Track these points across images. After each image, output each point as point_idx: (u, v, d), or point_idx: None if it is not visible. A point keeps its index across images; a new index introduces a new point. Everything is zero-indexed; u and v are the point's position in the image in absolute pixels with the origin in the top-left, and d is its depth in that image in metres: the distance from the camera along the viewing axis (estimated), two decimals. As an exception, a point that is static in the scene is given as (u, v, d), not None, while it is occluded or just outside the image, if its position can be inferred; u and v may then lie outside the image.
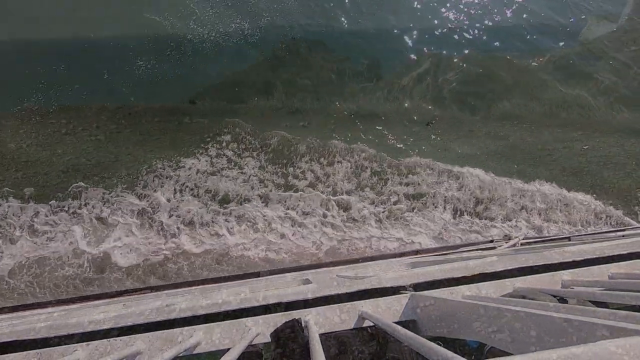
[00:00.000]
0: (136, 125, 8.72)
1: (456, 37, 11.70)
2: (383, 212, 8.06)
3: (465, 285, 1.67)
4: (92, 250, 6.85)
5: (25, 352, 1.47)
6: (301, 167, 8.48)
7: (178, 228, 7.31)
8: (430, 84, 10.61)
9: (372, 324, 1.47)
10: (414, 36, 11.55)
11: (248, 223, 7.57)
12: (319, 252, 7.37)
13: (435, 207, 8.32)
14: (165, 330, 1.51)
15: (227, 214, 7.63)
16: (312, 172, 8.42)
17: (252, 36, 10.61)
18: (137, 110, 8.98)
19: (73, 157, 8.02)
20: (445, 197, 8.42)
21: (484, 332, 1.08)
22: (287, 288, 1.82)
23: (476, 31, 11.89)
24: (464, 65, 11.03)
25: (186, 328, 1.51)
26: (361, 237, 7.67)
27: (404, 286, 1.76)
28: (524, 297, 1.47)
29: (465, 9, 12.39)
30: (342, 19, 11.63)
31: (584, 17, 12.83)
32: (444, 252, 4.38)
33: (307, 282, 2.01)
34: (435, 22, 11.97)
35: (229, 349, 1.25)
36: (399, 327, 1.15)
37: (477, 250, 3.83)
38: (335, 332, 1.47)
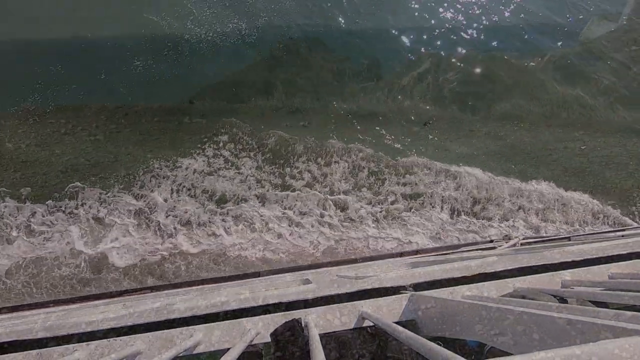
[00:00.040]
0: (136, 125, 8.72)
1: (456, 37, 11.71)
2: (380, 211, 8.08)
3: (465, 285, 1.67)
4: (89, 251, 6.85)
5: (25, 352, 1.47)
6: (299, 167, 8.48)
7: (175, 228, 7.31)
8: (430, 83, 10.62)
9: (372, 324, 1.47)
10: (414, 36, 11.56)
11: (245, 223, 7.57)
12: (316, 251, 7.37)
13: (433, 206, 8.33)
14: (165, 331, 1.51)
15: (224, 213, 7.64)
16: (310, 171, 8.43)
17: (249, 36, 10.62)
18: (136, 110, 8.97)
19: (72, 157, 8.01)
20: (442, 196, 8.44)
21: (487, 335, 1.08)
22: (287, 288, 1.82)
23: (476, 31, 11.90)
24: (464, 65, 11.04)
25: (186, 328, 1.51)
26: (358, 236, 7.68)
27: (404, 286, 1.76)
28: (524, 297, 1.47)
29: (465, 9, 12.41)
30: (341, 19, 11.64)
31: (583, 17, 12.85)
32: (444, 252, 4.38)
33: (307, 282, 2.01)
34: (436, 22, 11.98)
35: (228, 349, 1.25)
36: (399, 327, 1.15)
37: (477, 250, 3.83)
38: (336, 332, 1.47)
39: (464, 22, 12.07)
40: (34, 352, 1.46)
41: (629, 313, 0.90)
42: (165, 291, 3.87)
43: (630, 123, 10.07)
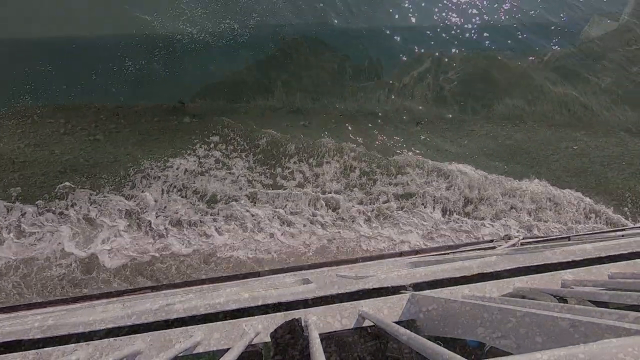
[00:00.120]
0: (135, 124, 8.70)
1: (456, 37, 11.71)
2: (372, 211, 8.07)
3: (465, 285, 1.67)
4: (80, 252, 6.81)
5: (24, 352, 1.46)
6: (300, 167, 8.48)
7: (166, 229, 7.29)
8: (430, 83, 10.62)
9: (372, 324, 1.46)
10: (413, 36, 11.57)
11: (236, 222, 7.55)
12: (308, 251, 7.36)
13: (429, 206, 8.35)
14: (165, 331, 1.51)
15: (215, 214, 7.64)
16: (302, 172, 8.43)
17: (245, 36, 10.61)
18: (136, 110, 8.96)
19: (71, 157, 8.00)
20: (438, 196, 8.45)
21: (489, 338, 1.07)
22: (286, 288, 1.81)
23: (476, 31, 11.90)
24: (464, 65, 11.04)
25: (185, 328, 1.51)
26: (351, 236, 7.67)
27: (404, 286, 1.75)
28: (524, 297, 1.47)
29: (465, 9, 12.41)
30: (341, 19, 11.64)
31: (583, 17, 12.86)
32: (444, 252, 4.38)
33: (307, 282, 2.01)
34: (435, 22, 11.98)
35: (228, 349, 1.24)
36: (399, 327, 1.14)
37: (476, 250, 3.83)
38: (335, 332, 1.47)
39: (465, 23, 12.08)
40: (33, 352, 1.45)
41: (632, 314, 0.89)
42: (165, 291, 3.86)
43: (632, 123, 10.06)
